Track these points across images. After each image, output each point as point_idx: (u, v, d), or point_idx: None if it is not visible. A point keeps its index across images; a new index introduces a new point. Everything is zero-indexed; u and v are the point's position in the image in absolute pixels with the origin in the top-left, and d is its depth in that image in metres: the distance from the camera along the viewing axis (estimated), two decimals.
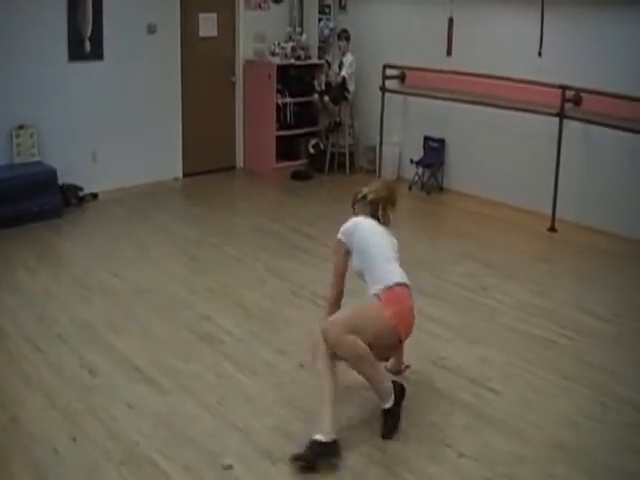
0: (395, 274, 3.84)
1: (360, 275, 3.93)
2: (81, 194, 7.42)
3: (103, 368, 4.22)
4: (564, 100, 7.08)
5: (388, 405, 3.73)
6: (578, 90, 7.11)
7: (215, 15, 8.80)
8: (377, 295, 3.75)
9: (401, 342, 3.89)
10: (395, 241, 4.03)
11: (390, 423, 3.74)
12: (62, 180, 7.19)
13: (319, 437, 3.45)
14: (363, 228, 3.95)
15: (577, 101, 7.17)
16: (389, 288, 3.76)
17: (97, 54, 7.56)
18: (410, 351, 4.25)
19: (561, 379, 4.33)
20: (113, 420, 3.71)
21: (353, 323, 3.60)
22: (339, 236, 3.98)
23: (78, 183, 7.40)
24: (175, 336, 4.68)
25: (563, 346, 4.77)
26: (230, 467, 3.38)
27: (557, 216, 7.26)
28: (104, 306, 5.11)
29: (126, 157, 7.93)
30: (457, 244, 6.65)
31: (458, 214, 7.79)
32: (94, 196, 7.60)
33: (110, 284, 5.49)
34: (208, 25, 8.77)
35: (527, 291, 5.67)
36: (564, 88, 7.05)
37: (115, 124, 7.83)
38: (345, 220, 4.06)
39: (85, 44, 7.45)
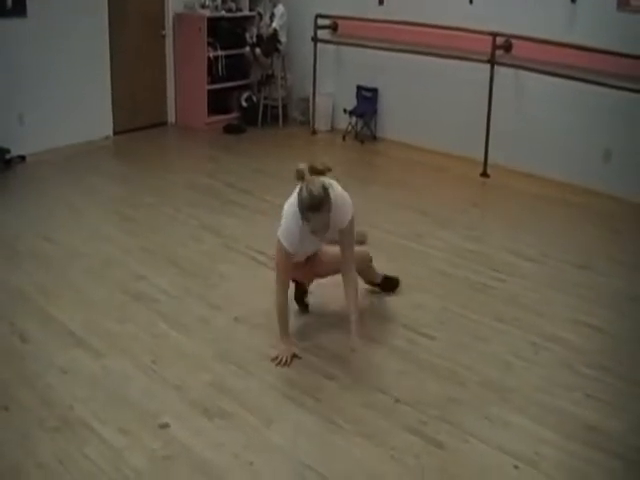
0: None
1: None
2: (8, 157, 7.17)
3: (35, 334, 4.14)
4: (494, 47, 7.13)
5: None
6: (508, 36, 7.17)
7: None
8: None
9: None
10: None
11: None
12: None
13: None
14: None
15: (507, 47, 7.26)
16: None
17: (20, 10, 7.23)
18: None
19: (494, 321, 4.42)
20: (47, 387, 3.65)
21: None
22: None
23: (4, 146, 7.14)
24: (109, 298, 4.61)
25: (496, 289, 4.86)
26: (166, 425, 3.37)
27: (489, 162, 7.37)
28: (35, 271, 4.98)
29: (55, 117, 7.67)
30: (391, 192, 6.68)
31: (392, 163, 7.82)
32: (22, 158, 7.36)
33: (41, 248, 5.36)
34: None
35: (460, 236, 5.75)
36: (494, 35, 7.10)
37: (42, 83, 7.54)
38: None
39: (7, 0, 7.13)
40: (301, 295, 4.43)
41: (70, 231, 5.70)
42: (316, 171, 3.71)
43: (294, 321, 4.29)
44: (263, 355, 3.98)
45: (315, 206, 3.57)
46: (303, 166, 3.68)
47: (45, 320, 4.31)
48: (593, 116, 6.87)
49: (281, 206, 3.88)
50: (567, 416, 3.53)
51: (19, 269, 5.02)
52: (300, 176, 3.66)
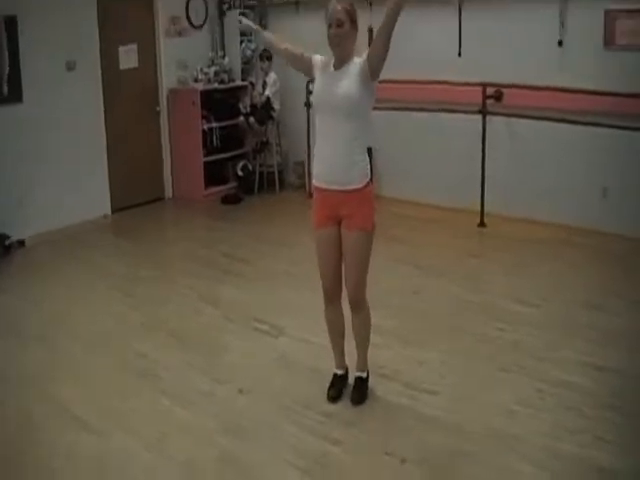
0: None
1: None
2: (7, 243, 7.21)
3: (39, 418, 4.12)
4: (485, 97, 7.23)
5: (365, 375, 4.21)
6: (498, 86, 7.27)
7: (135, 46, 8.71)
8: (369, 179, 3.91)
9: None
10: None
11: (363, 390, 4.18)
12: None
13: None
14: None
15: (498, 96, 7.34)
16: None
17: (16, 96, 7.35)
18: (348, 362, 4.30)
19: (497, 370, 4.41)
20: (52, 472, 3.62)
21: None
22: None
23: (4, 231, 7.18)
24: (111, 377, 4.60)
25: (497, 337, 4.86)
26: None
27: (486, 211, 7.39)
28: (38, 353, 4.98)
29: (53, 199, 7.74)
30: (389, 249, 6.68)
31: (389, 219, 7.81)
32: (21, 243, 7.42)
33: (43, 330, 5.36)
34: (128, 57, 8.67)
35: (459, 288, 5.77)
36: (484, 85, 7.20)
37: (39, 166, 7.62)
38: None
39: (3, 87, 7.26)
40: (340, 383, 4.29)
41: (71, 310, 5.71)
42: None
43: (304, 388, 4.30)
44: (269, 425, 3.95)
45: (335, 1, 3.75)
46: None
47: (49, 402, 4.29)
48: (587, 156, 6.96)
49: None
50: (575, 460, 3.50)
51: (23, 352, 5.02)
52: None
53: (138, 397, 4.32)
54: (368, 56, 3.69)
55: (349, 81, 3.73)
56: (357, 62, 3.76)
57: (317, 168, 3.92)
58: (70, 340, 5.19)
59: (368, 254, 3.97)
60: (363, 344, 4.15)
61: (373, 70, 3.69)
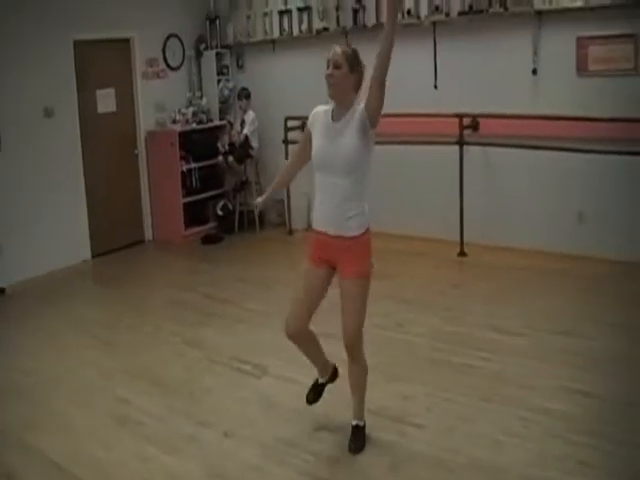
0: None
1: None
2: None
3: (21, 471, 4.05)
4: (462, 127, 7.31)
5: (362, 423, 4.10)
6: (474, 116, 7.35)
7: (112, 90, 8.76)
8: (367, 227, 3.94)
9: None
10: None
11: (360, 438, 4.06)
12: None
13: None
14: None
15: (474, 126, 7.42)
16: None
17: None
18: (333, 400, 4.30)
19: (480, 401, 4.41)
20: None
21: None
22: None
23: None
24: (94, 426, 4.54)
25: (480, 368, 4.86)
26: None
27: (466, 240, 7.43)
28: (19, 405, 4.91)
29: (33, 246, 7.71)
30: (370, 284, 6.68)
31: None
32: (1, 291, 7.37)
33: (24, 381, 5.29)
34: (106, 101, 8.71)
35: (441, 319, 5.79)
36: (461, 116, 7.28)
37: (19, 213, 7.60)
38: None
39: None
40: (321, 387, 4.32)
41: (52, 361, 5.64)
42: None
43: (289, 428, 4.27)
44: (255, 467, 3.92)
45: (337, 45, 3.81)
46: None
47: (31, 455, 4.23)
48: (563, 181, 7.06)
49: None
50: None
51: (3, 404, 4.95)
52: None
53: (122, 445, 4.27)
54: (366, 105, 3.69)
55: (350, 138, 3.74)
56: (357, 111, 3.74)
57: (316, 214, 3.96)
58: (50, 390, 5.12)
59: (364, 301, 3.90)
60: (360, 392, 4.04)
61: (372, 118, 3.70)
